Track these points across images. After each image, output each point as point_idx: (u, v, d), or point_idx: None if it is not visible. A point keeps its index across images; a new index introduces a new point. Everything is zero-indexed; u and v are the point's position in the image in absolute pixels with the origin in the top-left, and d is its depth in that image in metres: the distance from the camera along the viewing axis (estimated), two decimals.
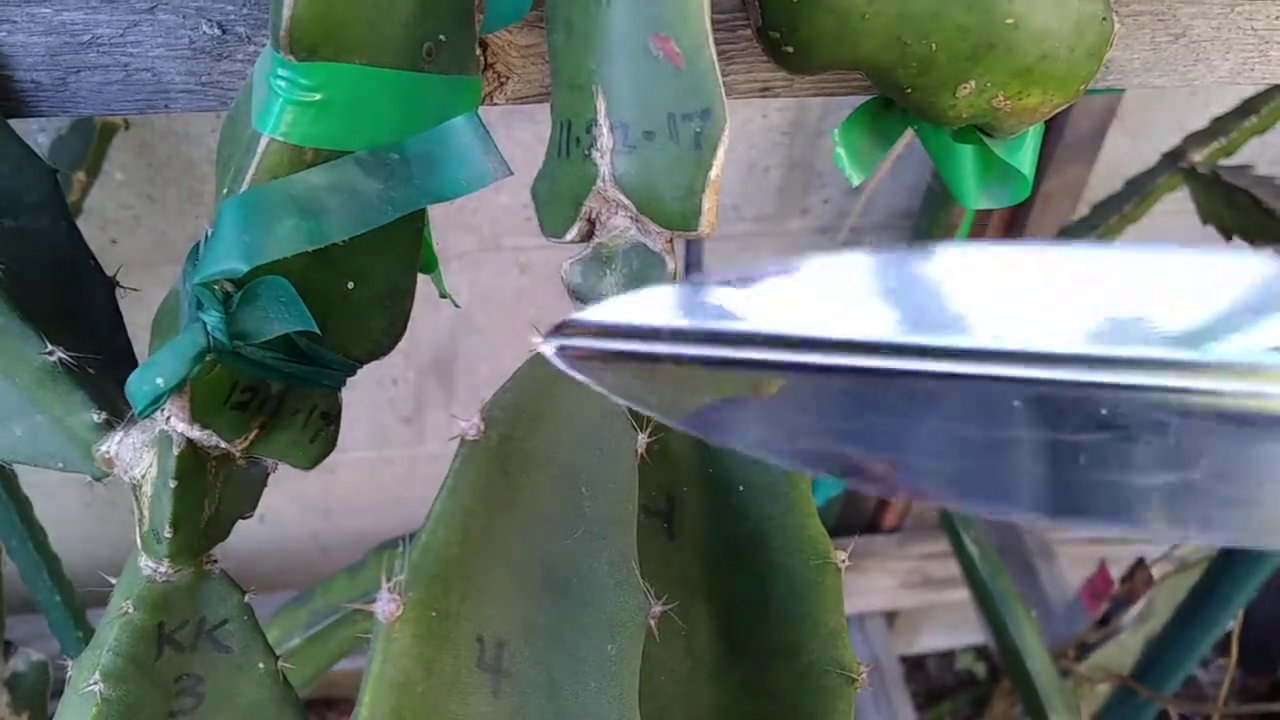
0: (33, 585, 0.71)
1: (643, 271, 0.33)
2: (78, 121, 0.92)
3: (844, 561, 0.36)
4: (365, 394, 1.22)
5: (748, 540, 0.36)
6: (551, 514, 0.31)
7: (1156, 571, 1.01)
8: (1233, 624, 0.94)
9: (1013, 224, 1.14)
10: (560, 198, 0.34)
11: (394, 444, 1.28)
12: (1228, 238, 0.89)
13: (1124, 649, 1.01)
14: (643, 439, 0.33)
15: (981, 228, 1.16)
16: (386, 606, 0.26)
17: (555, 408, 0.32)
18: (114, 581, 0.39)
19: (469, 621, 0.28)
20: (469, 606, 0.28)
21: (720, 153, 0.32)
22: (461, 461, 0.29)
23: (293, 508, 1.34)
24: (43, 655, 0.76)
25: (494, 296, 1.16)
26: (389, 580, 0.26)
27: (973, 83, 0.41)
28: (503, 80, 0.43)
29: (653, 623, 0.31)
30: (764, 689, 0.37)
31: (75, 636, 0.72)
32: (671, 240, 0.33)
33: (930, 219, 1.14)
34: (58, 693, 0.76)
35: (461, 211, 1.08)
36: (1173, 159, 0.93)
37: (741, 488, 0.36)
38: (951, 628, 1.70)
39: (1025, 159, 0.46)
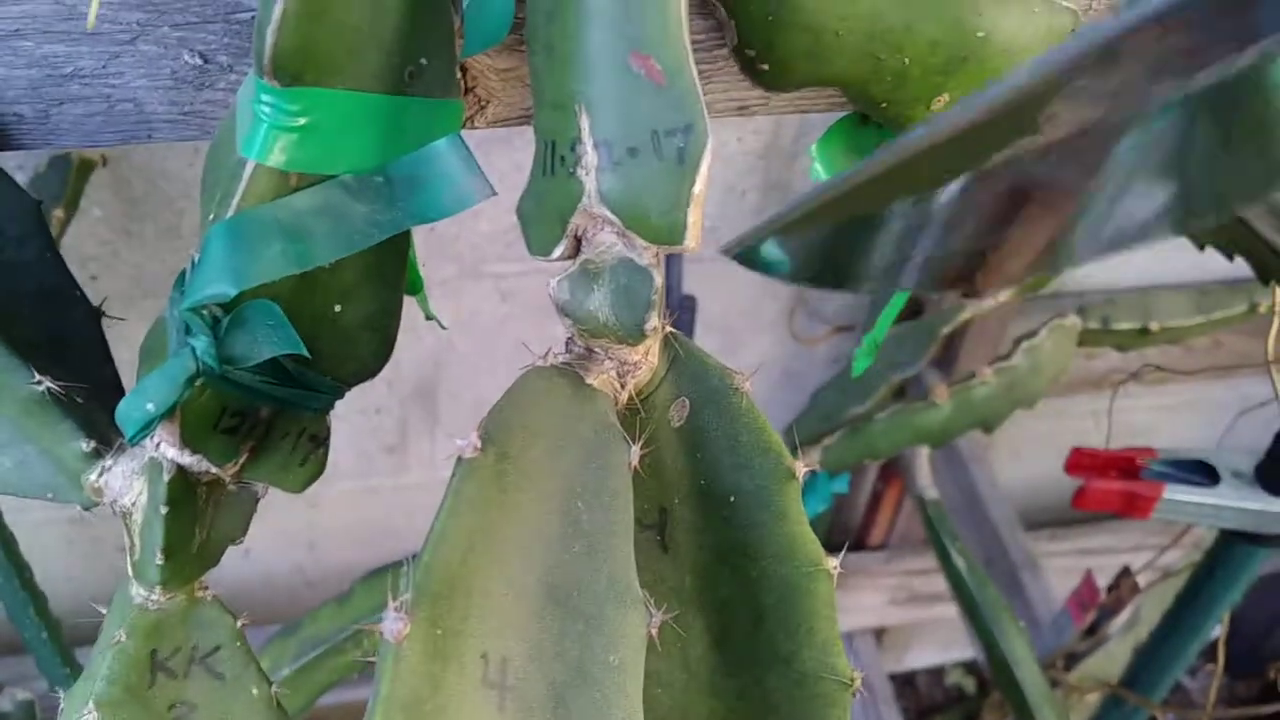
0: (19, 623, 0.70)
1: (630, 286, 0.34)
2: (55, 158, 0.92)
3: (835, 568, 0.36)
4: (349, 424, 1.22)
5: (740, 550, 0.36)
6: (550, 528, 0.31)
7: (1142, 580, 1.02)
8: (1219, 630, 0.95)
9: None
10: (546, 215, 0.35)
11: (378, 474, 1.28)
12: (1200, 247, 0.90)
13: (1112, 658, 1.02)
14: (636, 451, 0.34)
15: None
16: (394, 625, 0.26)
17: (548, 423, 0.32)
18: (104, 611, 0.39)
19: (473, 639, 0.28)
20: (472, 624, 0.28)
21: (704, 167, 0.32)
22: (459, 480, 0.29)
23: (277, 541, 1.33)
24: (29, 694, 0.75)
25: (476, 324, 1.17)
26: (395, 600, 0.26)
27: (947, 95, 0.41)
28: (483, 104, 0.44)
29: (654, 632, 0.31)
30: (760, 698, 0.37)
31: (63, 674, 0.72)
32: (658, 255, 0.34)
33: None
34: None
35: (442, 239, 1.09)
36: None
37: (733, 498, 0.36)
38: (940, 644, 1.70)
39: None
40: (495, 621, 0.29)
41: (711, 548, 0.37)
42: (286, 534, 1.33)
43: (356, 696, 1.16)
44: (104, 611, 0.39)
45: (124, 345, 0.43)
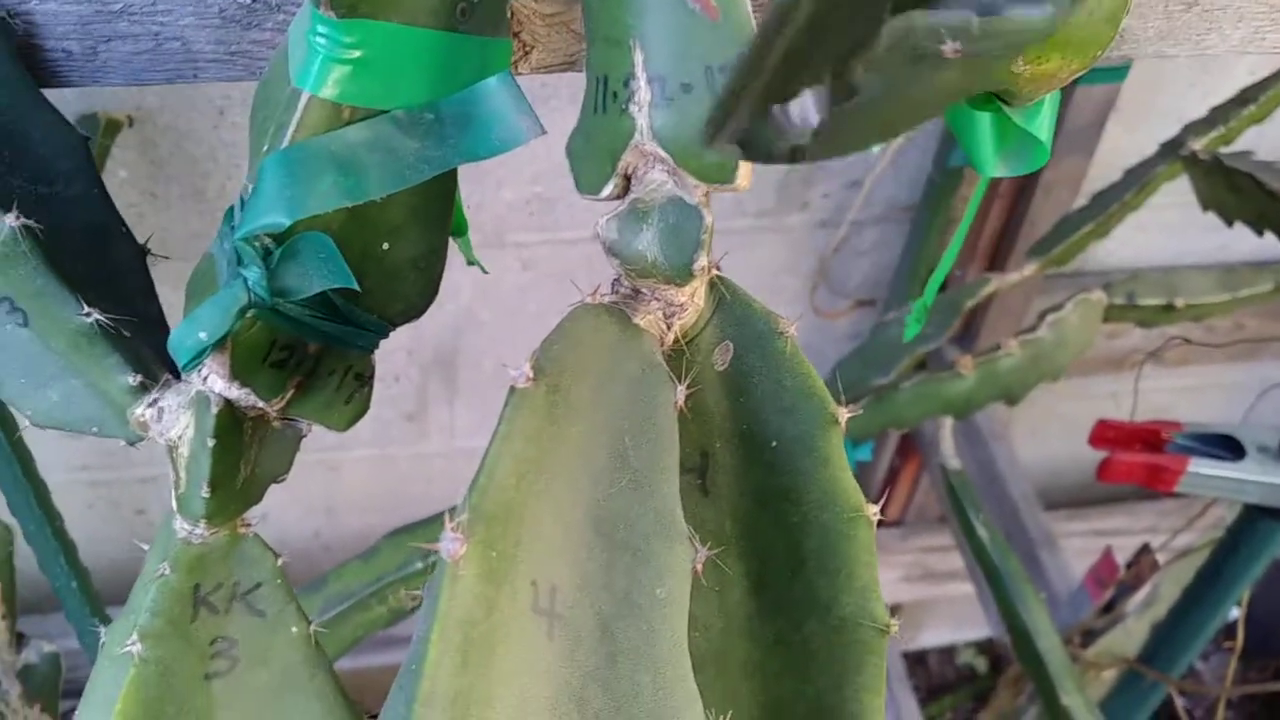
0: (50, 571, 0.71)
1: (680, 225, 0.34)
2: (83, 117, 0.93)
3: (876, 514, 0.36)
4: None
5: (781, 495, 0.36)
6: (597, 462, 0.31)
7: (1161, 557, 1.02)
8: (1237, 612, 0.95)
9: (1014, 214, 1.15)
10: (596, 153, 0.35)
11: (397, 441, 1.28)
12: (1229, 223, 0.90)
13: (1129, 634, 1.02)
14: (681, 391, 0.34)
15: (983, 218, 1.16)
16: (451, 545, 0.26)
17: (598, 360, 0.32)
18: (145, 548, 0.39)
19: (524, 565, 0.28)
20: (524, 550, 0.28)
21: None
22: (512, 409, 0.29)
23: (295, 507, 1.34)
24: (55, 647, 0.76)
25: (497, 293, 1.17)
26: (452, 521, 0.27)
27: (1023, 60, 0.41)
28: (527, 49, 0.44)
29: (699, 568, 0.31)
30: (798, 643, 0.37)
31: (91, 624, 0.72)
32: (708, 194, 0.34)
33: (931, 211, 1.15)
34: (70, 692, 0.76)
35: (465, 207, 1.08)
36: (1172, 148, 0.93)
37: (775, 443, 0.36)
38: (952, 623, 1.70)
39: (1043, 126, 0.47)
40: (545, 550, 0.29)
41: (752, 492, 0.37)
42: (304, 499, 1.33)
43: (372, 663, 1.17)
44: (145, 548, 0.39)
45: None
